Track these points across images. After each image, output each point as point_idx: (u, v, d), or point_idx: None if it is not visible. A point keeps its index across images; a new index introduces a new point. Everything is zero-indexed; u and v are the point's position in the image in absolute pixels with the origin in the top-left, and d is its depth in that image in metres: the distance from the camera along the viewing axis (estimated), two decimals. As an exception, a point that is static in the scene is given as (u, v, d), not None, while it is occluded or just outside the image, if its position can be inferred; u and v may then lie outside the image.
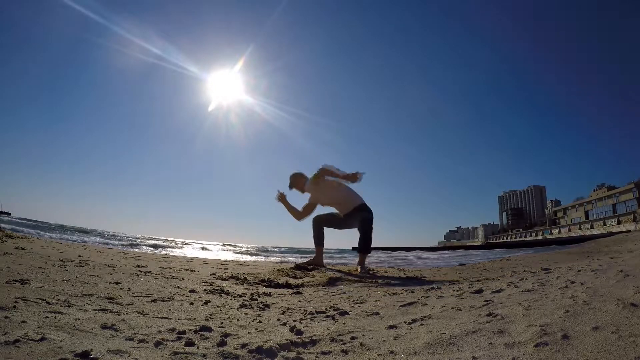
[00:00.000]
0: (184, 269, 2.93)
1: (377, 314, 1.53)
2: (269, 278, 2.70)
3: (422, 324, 1.29)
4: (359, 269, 3.50)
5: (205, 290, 2.01)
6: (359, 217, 3.70)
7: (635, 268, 2.03)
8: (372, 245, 3.68)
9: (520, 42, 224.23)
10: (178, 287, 2.03)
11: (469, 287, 2.05)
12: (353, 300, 1.89)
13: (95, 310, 1.29)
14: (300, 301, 1.92)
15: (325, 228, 3.92)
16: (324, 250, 3.93)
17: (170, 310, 1.44)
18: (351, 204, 3.76)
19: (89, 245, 5.18)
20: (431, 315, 1.41)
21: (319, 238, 3.85)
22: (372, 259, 11.16)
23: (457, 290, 2.00)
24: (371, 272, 3.49)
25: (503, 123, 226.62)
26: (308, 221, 3.94)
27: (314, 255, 3.89)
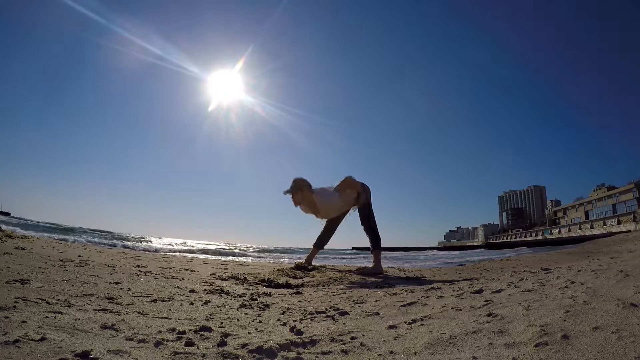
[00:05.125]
0: (184, 269, 2.93)
1: (377, 314, 1.53)
2: (269, 278, 2.70)
3: (422, 324, 1.29)
4: (377, 269, 3.42)
5: (205, 290, 2.00)
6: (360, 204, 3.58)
7: (635, 268, 2.03)
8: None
9: (522, 42, 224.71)
10: (178, 287, 2.03)
11: (469, 287, 2.05)
12: (353, 300, 1.89)
13: (95, 310, 1.29)
14: (300, 301, 1.92)
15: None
16: (319, 253, 3.91)
17: (170, 310, 1.44)
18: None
19: (89, 245, 5.18)
20: (431, 315, 1.42)
21: (320, 241, 3.83)
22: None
23: (457, 290, 2.00)
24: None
25: (503, 123, 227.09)
26: (316, 222, 3.86)
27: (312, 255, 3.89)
